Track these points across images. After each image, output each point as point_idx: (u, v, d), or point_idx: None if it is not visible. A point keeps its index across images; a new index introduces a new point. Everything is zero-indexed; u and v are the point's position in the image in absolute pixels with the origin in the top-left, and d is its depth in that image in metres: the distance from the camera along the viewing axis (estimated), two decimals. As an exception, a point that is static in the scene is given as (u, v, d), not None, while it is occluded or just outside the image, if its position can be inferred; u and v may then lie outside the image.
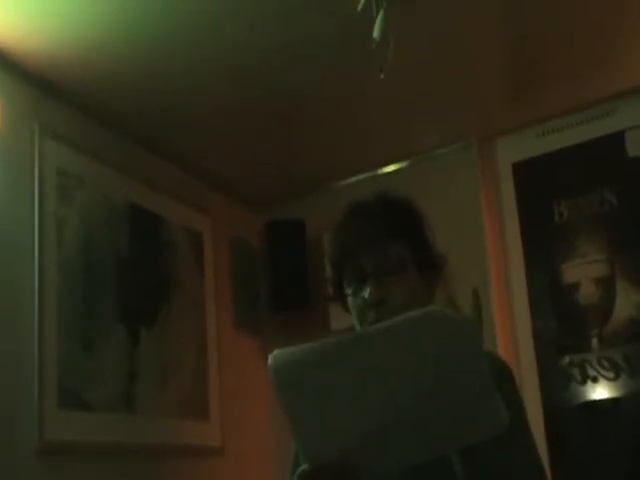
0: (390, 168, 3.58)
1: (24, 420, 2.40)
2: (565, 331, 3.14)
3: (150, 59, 2.64)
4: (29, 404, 2.42)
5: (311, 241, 3.56)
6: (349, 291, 1.42)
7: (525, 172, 3.35)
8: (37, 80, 2.67)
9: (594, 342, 3.07)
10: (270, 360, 1.16)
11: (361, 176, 3.61)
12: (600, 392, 3.04)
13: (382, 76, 2.55)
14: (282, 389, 1.15)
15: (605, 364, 3.04)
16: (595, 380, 3.06)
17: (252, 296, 3.66)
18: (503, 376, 1.36)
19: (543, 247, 3.25)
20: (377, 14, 2.11)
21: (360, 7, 2.09)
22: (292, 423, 1.16)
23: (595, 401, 3.04)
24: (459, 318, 1.11)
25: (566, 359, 3.11)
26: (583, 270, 3.15)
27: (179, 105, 2.93)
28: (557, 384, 3.11)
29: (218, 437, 3.20)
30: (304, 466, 1.15)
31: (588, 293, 3.12)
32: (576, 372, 3.08)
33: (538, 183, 3.31)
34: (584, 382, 3.07)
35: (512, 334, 3.22)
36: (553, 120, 3.28)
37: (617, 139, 3.17)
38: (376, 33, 2.27)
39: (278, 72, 2.79)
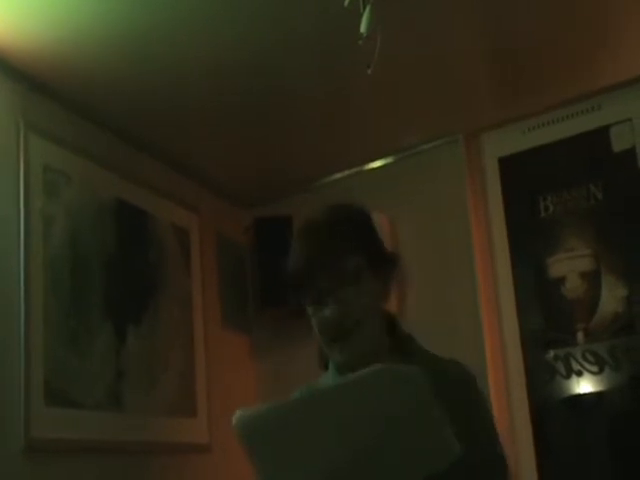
0: (377, 164, 3.59)
1: (10, 418, 2.39)
2: (551, 325, 3.15)
3: (137, 56, 2.64)
4: (16, 402, 2.41)
5: (299, 238, 3.54)
6: (310, 311, 1.43)
7: (511, 167, 3.36)
8: (23, 76, 2.66)
9: (579, 336, 3.09)
10: (235, 419, 1.24)
11: (348, 172, 3.62)
12: (584, 386, 3.06)
13: (369, 71, 2.56)
14: (247, 445, 1.24)
15: (590, 358, 3.06)
16: (580, 374, 3.08)
17: (239, 293, 3.65)
18: (462, 387, 1.42)
19: (529, 241, 3.26)
20: (364, 10, 2.12)
21: (347, 3, 2.09)
22: (259, 474, 1.24)
23: (579, 395, 3.06)
24: (404, 371, 1.18)
25: (551, 353, 3.12)
26: (569, 264, 3.17)
27: (166, 102, 2.92)
28: (542, 378, 3.13)
29: (205, 434, 3.20)
30: None
31: (574, 287, 3.14)
32: (561, 366, 3.10)
33: (524, 178, 3.33)
34: (569, 376, 3.09)
35: (498, 328, 3.23)
36: (539, 115, 3.30)
37: (602, 134, 3.18)
38: (363, 28, 2.27)
39: (265, 70, 2.80)
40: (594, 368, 3.04)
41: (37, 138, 2.65)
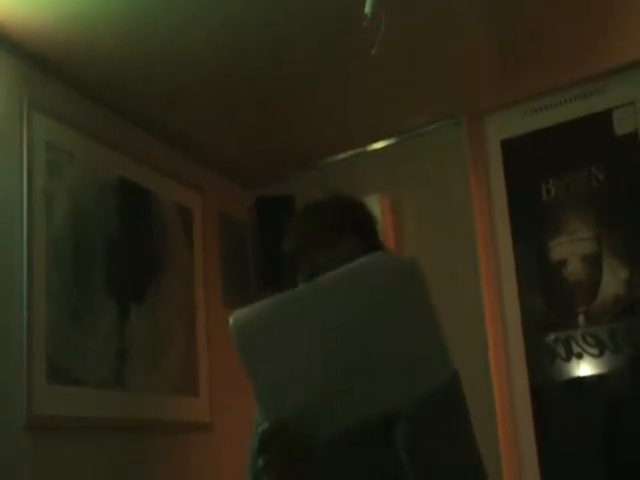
0: (379, 145, 3.59)
1: (14, 395, 2.40)
2: (552, 308, 3.16)
3: (141, 35, 2.62)
4: (18, 379, 2.41)
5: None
6: (302, 282, 1.47)
7: (513, 150, 3.36)
8: (26, 54, 2.64)
9: (580, 319, 3.10)
10: (231, 320, 1.19)
11: (351, 152, 3.61)
12: (584, 369, 3.07)
13: (374, 52, 2.55)
14: (242, 348, 1.17)
15: (590, 341, 3.07)
16: (580, 357, 3.09)
17: (241, 272, 3.65)
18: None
19: (531, 224, 3.26)
20: (368, -10, 2.11)
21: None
22: (254, 382, 1.17)
23: (579, 377, 3.07)
24: (403, 259, 1.16)
25: (551, 336, 3.13)
26: (571, 247, 3.17)
27: (169, 81, 2.91)
28: (542, 361, 3.14)
29: (207, 413, 3.22)
30: (264, 424, 1.19)
31: (575, 270, 3.14)
32: (561, 349, 3.11)
33: (526, 161, 3.33)
34: (569, 359, 3.10)
35: (500, 311, 3.24)
36: (542, 98, 3.29)
37: (605, 117, 3.17)
38: (367, 9, 2.27)
39: (269, 49, 2.78)
40: (594, 351, 3.05)
41: (40, 116, 2.64)
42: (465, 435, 1.34)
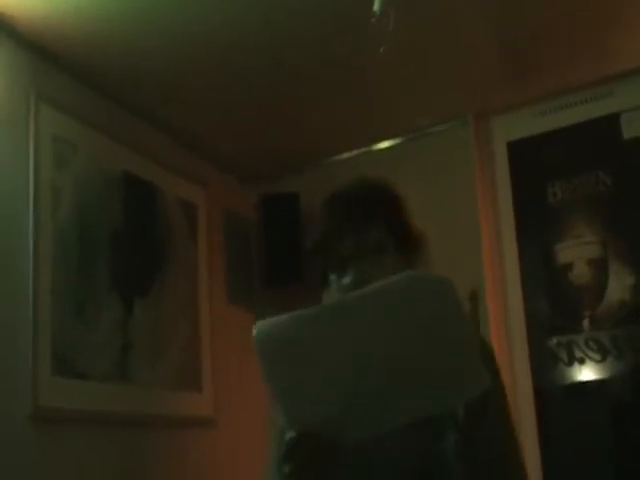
0: (385, 144, 3.57)
1: (19, 386, 2.39)
2: (557, 311, 3.15)
3: (148, 29, 2.61)
4: (23, 370, 2.40)
5: (306, 216, 3.55)
6: (333, 277, 1.44)
7: (520, 151, 3.34)
8: (34, 46, 2.63)
9: (585, 323, 3.09)
10: (254, 331, 1.18)
11: (356, 152, 3.59)
12: (586, 374, 3.06)
13: (382, 50, 2.53)
14: (266, 359, 1.17)
15: (592, 346, 3.06)
16: (582, 361, 3.07)
17: (246, 269, 3.64)
18: (484, 354, 1.38)
19: (537, 227, 3.25)
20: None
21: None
22: (277, 393, 1.18)
23: (581, 382, 3.06)
24: (435, 278, 1.13)
25: (554, 340, 3.12)
26: (577, 251, 3.15)
27: (176, 76, 2.90)
28: (545, 364, 3.12)
29: (210, 408, 3.20)
30: (290, 433, 1.20)
31: (581, 274, 3.13)
32: (563, 353, 3.10)
33: (533, 163, 3.31)
34: (571, 363, 3.09)
35: (504, 313, 3.23)
36: (549, 100, 3.27)
37: (613, 121, 3.16)
38: (376, 6, 2.25)
39: (276, 45, 2.77)
40: (597, 356, 3.04)
41: (47, 107, 2.63)
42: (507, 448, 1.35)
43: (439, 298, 1.12)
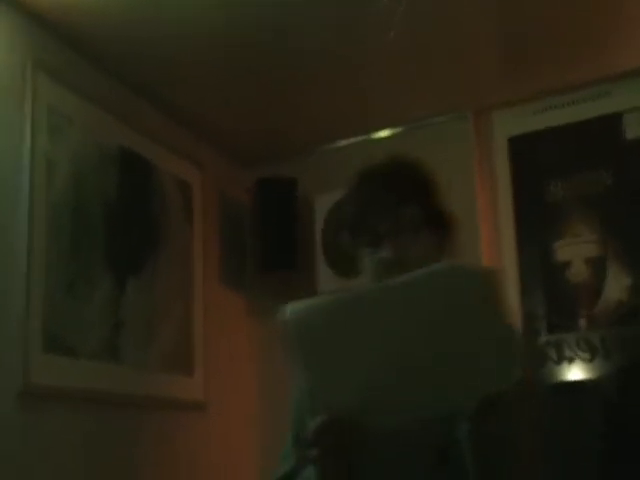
0: (384, 133, 3.52)
1: (9, 362, 2.33)
2: (553, 309, 3.12)
3: (148, 4, 2.55)
4: (14, 346, 2.35)
5: (302, 203, 3.51)
6: (364, 254, 1.44)
7: (521, 148, 3.31)
8: (32, 14, 2.55)
9: (582, 322, 3.06)
10: (287, 312, 1.17)
11: (355, 139, 3.55)
12: (575, 373, 3.04)
13: (392, 34, 2.49)
14: (297, 342, 1.16)
15: (582, 345, 3.04)
16: (571, 361, 3.05)
17: (240, 253, 3.59)
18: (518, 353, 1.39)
19: (536, 225, 3.22)
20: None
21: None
22: (306, 377, 1.17)
23: (569, 382, 3.04)
24: (477, 269, 1.15)
25: (543, 339, 3.10)
26: (575, 249, 3.13)
27: (175, 54, 2.84)
28: (537, 362, 3.10)
29: (201, 392, 3.16)
30: (319, 419, 1.19)
31: (579, 272, 3.11)
32: (553, 352, 3.08)
33: (533, 160, 3.27)
34: (560, 362, 3.07)
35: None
36: (552, 97, 3.24)
37: (615, 120, 3.13)
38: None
39: (278, 27, 2.72)
40: (586, 356, 3.02)
41: (44, 77, 2.55)
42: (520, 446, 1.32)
43: (480, 290, 1.11)
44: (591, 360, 3.01)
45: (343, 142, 3.58)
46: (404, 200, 1.42)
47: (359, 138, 3.54)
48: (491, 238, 3.27)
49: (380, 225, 1.40)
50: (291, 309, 1.17)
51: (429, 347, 1.11)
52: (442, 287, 1.12)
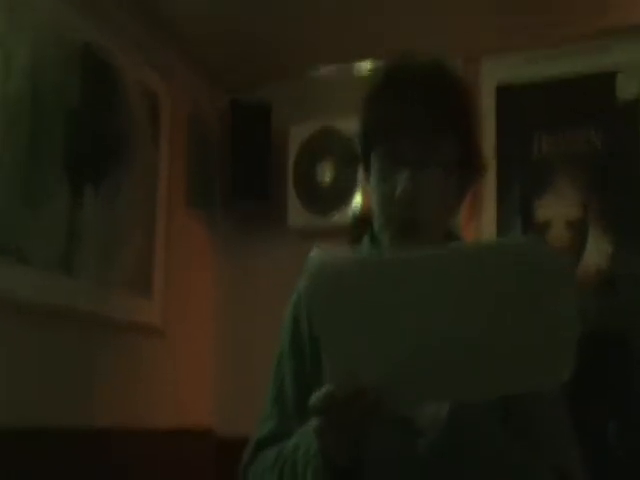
0: (366, 65, 3.31)
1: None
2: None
3: None
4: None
5: (276, 131, 3.29)
6: (378, 171, 1.25)
7: (509, 98, 3.16)
8: None
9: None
10: (316, 263, 1.03)
11: (335, 67, 3.34)
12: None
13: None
14: (324, 301, 1.00)
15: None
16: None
17: (208, 179, 3.36)
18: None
19: (518, 179, 3.08)
20: None
21: None
22: (329, 341, 1.00)
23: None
24: (556, 254, 0.98)
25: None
26: (556, 210, 3.01)
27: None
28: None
29: (159, 317, 2.98)
30: (331, 388, 1.01)
31: (559, 235, 2.99)
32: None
33: (521, 112, 3.13)
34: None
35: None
36: (545, 48, 3.09)
37: (609, 80, 3.01)
38: None
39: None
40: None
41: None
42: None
43: (553, 274, 0.96)
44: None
45: (324, 70, 3.36)
46: (441, 127, 1.21)
47: (339, 66, 3.33)
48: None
49: (407, 148, 1.20)
50: (318, 264, 1.01)
51: (490, 328, 0.97)
52: (522, 261, 0.97)
